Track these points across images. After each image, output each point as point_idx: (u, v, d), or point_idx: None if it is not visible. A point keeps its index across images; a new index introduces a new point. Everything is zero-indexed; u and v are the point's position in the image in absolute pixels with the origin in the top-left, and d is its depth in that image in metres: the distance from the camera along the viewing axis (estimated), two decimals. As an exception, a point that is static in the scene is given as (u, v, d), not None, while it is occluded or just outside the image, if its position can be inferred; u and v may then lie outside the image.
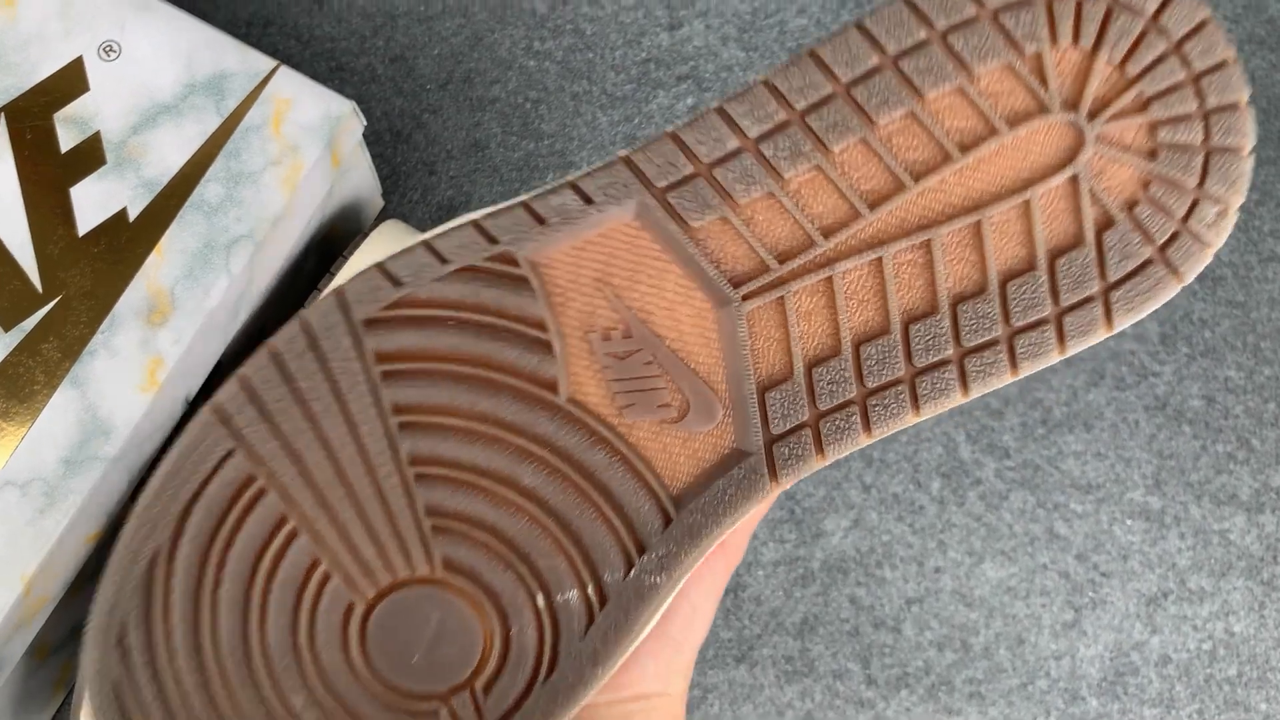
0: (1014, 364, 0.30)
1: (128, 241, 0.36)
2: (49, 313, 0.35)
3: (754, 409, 0.30)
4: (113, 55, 0.37)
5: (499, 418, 0.29)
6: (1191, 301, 0.48)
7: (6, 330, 0.35)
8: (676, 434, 0.30)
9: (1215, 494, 0.46)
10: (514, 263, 0.30)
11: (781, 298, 0.30)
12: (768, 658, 0.45)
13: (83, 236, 0.36)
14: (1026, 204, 0.29)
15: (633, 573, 0.30)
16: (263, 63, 0.38)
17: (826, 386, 0.30)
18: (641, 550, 0.30)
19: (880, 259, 0.30)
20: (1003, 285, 0.30)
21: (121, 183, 0.37)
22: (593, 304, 0.29)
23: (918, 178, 0.29)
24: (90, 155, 0.37)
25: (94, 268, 0.36)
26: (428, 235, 0.30)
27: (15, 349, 0.35)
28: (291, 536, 0.29)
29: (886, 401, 0.30)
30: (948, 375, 0.30)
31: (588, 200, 0.30)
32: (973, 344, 0.30)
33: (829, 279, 0.30)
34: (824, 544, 0.46)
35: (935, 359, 0.30)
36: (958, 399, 0.30)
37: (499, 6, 0.51)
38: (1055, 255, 0.29)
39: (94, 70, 0.37)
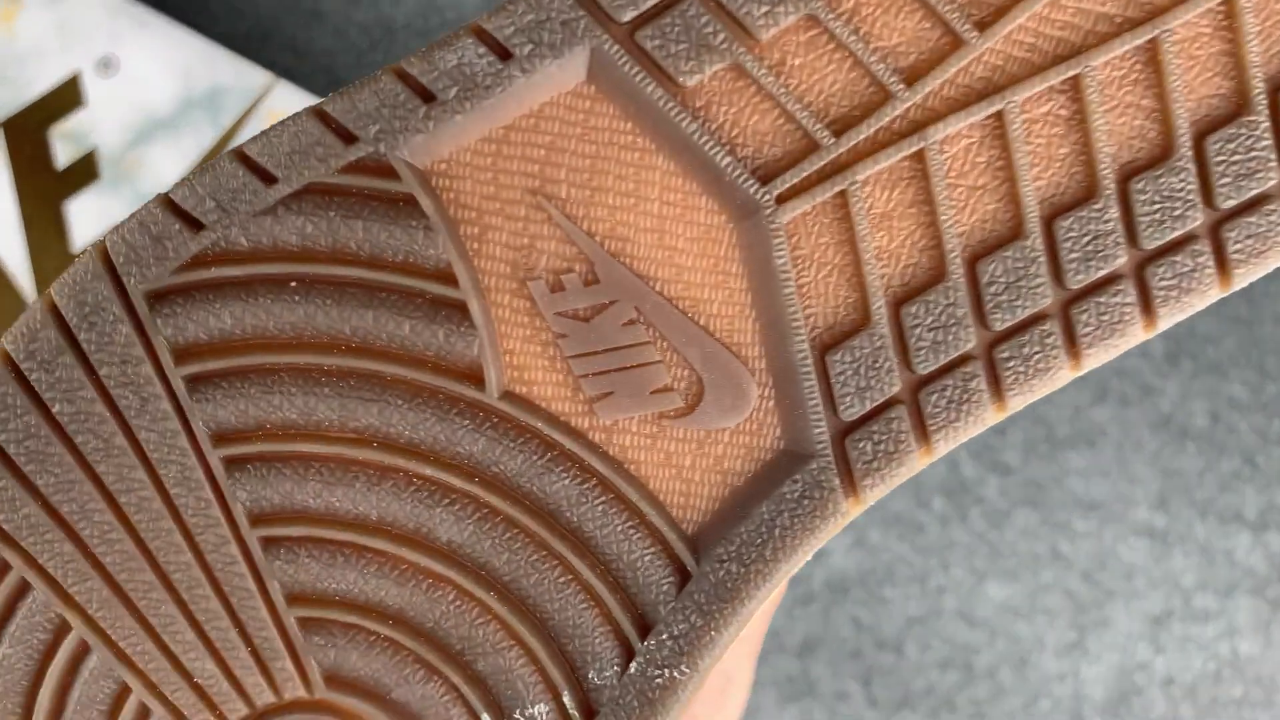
0: (1224, 269, 0.17)
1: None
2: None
3: (810, 383, 0.17)
4: (109, 71, 0.36)
5: (390, 436, 0.17)
6: (1196, 317, 0.44)
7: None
8: (686, 436, 0.17)
9: (1220, 512, 0.45)
10: (389, 173, 0.16)
11: (843, 194, 0.17)
12: (768, 678, 0.44)
13: (79, 253, 0.34)
14: (1230, 5, 0.17)
15: (634, 666, 0.17)
16: (260, 77, 0.36)
17: (927, 334, 0.17)
18: (645, 630, 0.17)
19: (1000, 114, 0.17)
20: (1198, 143, 0.17)
21: (117, 198, 0.35)
22: (529, 232, 0.17)
23: (1052, -26, 0.16)
24: (86, 171, 0.36)
25: (90, 284, 0.35)
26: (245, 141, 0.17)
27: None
28: (80, 654, 0.17)
29: (1028, 349, 0.17)
30: (1121, 298, 0.17)
31: (503, 54, 0.16)
32: (1158, 242, 0.17)
33: (919, 155, 0.17)
34: (825, 563, 0.44)
35: (1100, 273, 0.17)
36: (1138, 334, 0.17)
37: (497, 21, 0.48)
38: None
39: (91, 85, 0.36)
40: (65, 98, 0.36)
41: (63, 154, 0.36)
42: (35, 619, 0.17)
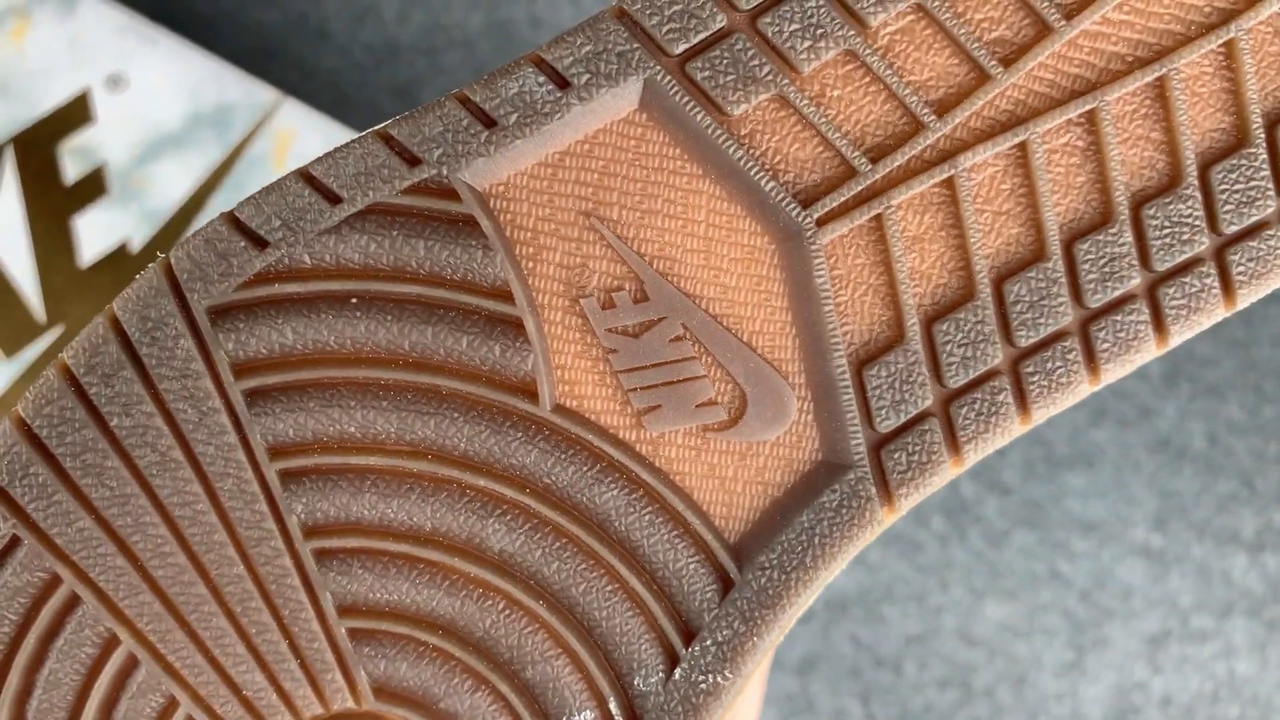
0: (1229, 289, 0.19)
1: (130, 273, 0.35)
2: (53, 343, 0.35)
3: (848, 397, 0.18)
4: (119, 87, 0.37)
5: (446, 448, 0.18)
6: (1194, 340, 0.45)
7: (8, 356, 0.35)
8: (729, 448, 0.18)
9: (1217, 533, 0.45)
10: (450, 194, 0.17)
11: (878, 217, 0.18)
12: (768, 696, 0.44)
13: (86, 268, 0.36)
14: (1229, 47, 0.18)
15: (679, 672, 0.18)
16: (267, 95, 0.37)
17: (957, 351, 0.18)
18: (689, 637, 0.18)
19: (1024, 145, 0.18)
20: (1203, 173, 0.19)
21: (125, 214, 0.36)
22: (582, 252, 0.18)
23: (1069, 15, 0.18)
24: (95, 186, 0.36)
25: (97, 298, 0.35)
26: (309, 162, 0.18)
27: (19, 379, 0.35)
28: (128, 668, 0.18)
29: (1050, 365, 0.18)
30: (1136, 316, 0.18)
31: (562, 83, 0.17)
32: (1169, 265, 0.19)
33: (949, 182, 0.18)
34: (824, 581, 0.45)
35: (1116, 293, 0.19)
36: (1151, 350, 0.19)
37: (503, 40, 0.48)
38: (1278, 122, 0.19)
39: (100, 102, 0.37)
40: (74, 114, 0.37)
41: (71, 169, 0.37)
42: (84, 633, 0.18)
